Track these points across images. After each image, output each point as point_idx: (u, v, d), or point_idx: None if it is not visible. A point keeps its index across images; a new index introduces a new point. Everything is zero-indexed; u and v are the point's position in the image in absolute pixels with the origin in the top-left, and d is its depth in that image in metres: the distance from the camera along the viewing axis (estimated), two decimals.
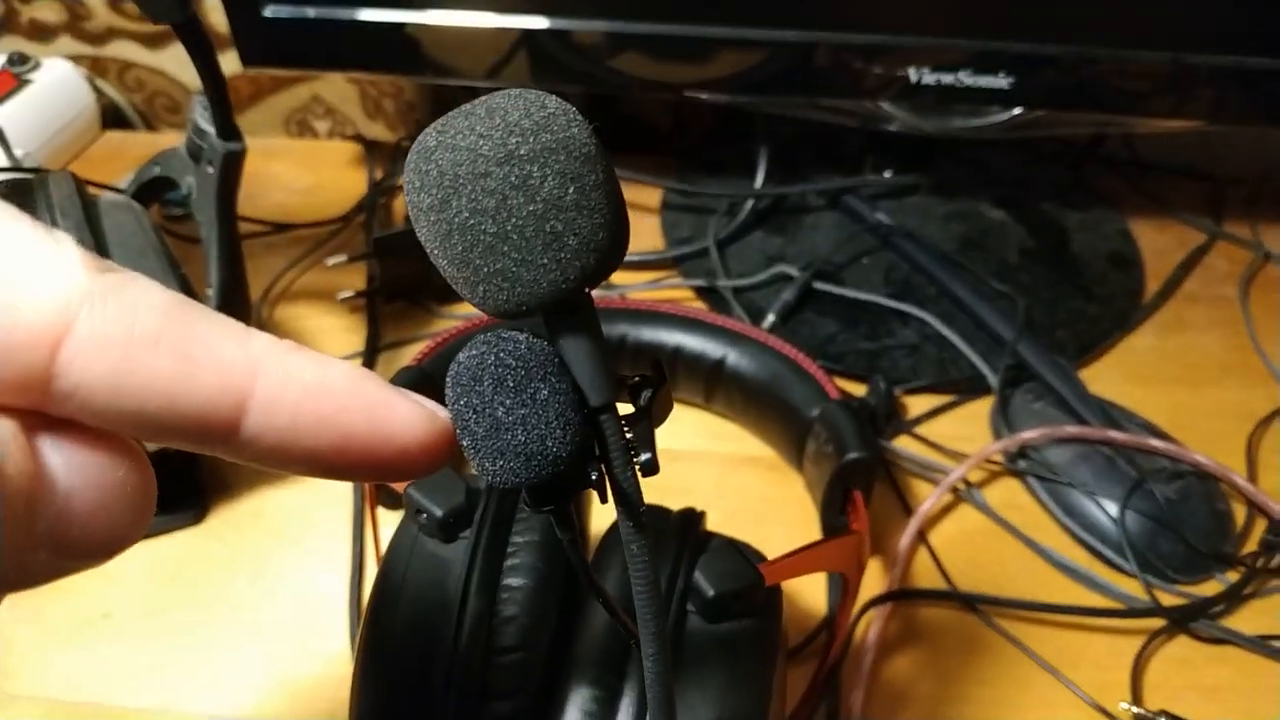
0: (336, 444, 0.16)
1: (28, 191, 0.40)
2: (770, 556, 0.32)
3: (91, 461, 0.15)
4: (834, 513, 0.42)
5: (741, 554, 0.31)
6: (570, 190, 0.17)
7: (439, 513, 0.31)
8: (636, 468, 0.19)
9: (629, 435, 0.19)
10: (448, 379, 0.18)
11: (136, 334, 0.14)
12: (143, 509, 0.15)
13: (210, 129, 0.40)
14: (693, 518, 0.33)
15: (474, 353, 0.18)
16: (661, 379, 0.21)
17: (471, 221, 0.16)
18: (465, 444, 0.18)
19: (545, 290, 0.17)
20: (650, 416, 0.20)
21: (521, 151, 0.16)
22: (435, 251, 0.17)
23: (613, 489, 0.19)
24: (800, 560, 0.32)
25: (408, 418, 0.17)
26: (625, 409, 0.20)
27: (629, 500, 0.19)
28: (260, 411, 0.15)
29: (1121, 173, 0.68)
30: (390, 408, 0.16)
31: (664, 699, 0.21)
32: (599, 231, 0.17)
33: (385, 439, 0.16)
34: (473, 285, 0.17)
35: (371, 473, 0.17)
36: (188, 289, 0.42)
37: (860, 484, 0.41)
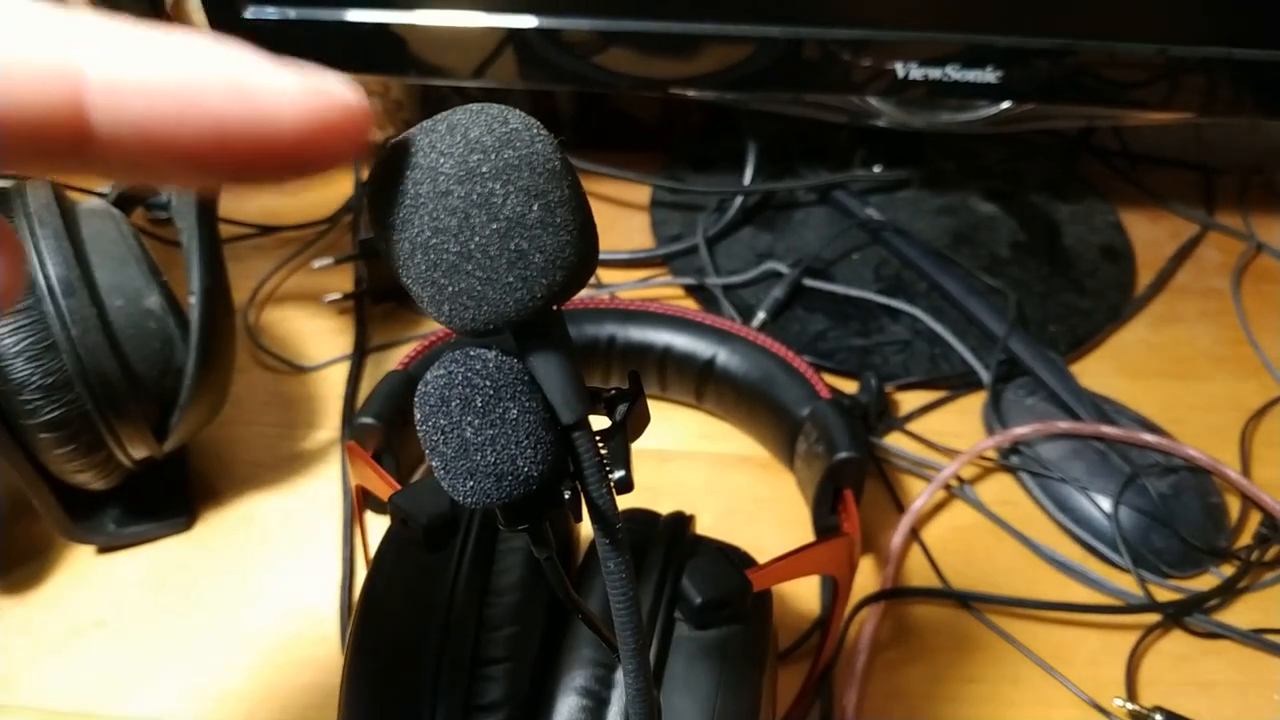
0: (211, 134, 0.13)
1: (4, 199, 0.40)
2: (762, 556, 0.32)
3: None
4: (825, 512, 0.42)
5: (729, 560, 0.30)
6: (534, 207, 0.16)
7: (424, 522, 0.31)
8: (611, 485, 0.19)
9: (603, 451, 0.19)
10: (415, 399, 0.17)
11: None
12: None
13: None
14: (681, 522, 0.33)
15: (441, 372, 0.17)
16: (638, 392, 0.20)
17: (434, 240, 0.16)
18: (435, 464, 0.17)
19: (512, 309, 0.17)
20: (625, 431, 0.19)
21: (483, 169, 0.16)
22: (400, 270, 0.17)
23: (588, 507, 0.19)
24: (789, 565, 0.31)
25: (289, 91, 0.14)
26: (603, 422, 0.20)
27: (604, 518, 0.19)
28: (104, 107, 0.13)
29: (1113, 164, 0.67)
30: (264, 80, 0.14)
31: (646, 714, 0.21)
32: (566, 248, 0.17)
33: (268, 120, 0.14)
34: (438, 304, 0.17)
35: (269, 167, 0.14)
36: (169, 296, 0.42)
37: (851, 483, 0.40)
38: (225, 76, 0.14)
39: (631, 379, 0.21)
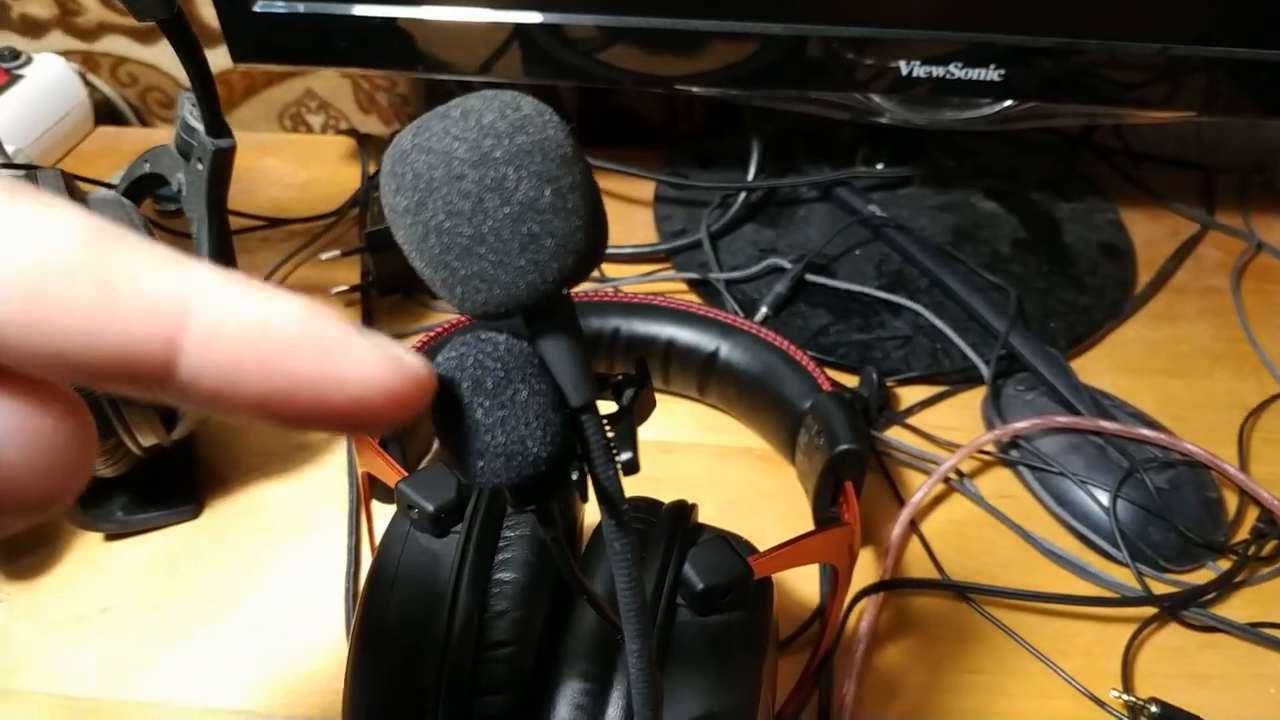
0: (283, 390, 0.14)
1: None
2: (763, 547, 0.32)
3: (16, 411, 0.14)
4: (825, 504, 0.42)
5: (731, 547, 0.31)
6: (546, 192, 0.17)
7: (430, 508, 0.31)
8: (618, 467, 0.19)
9: (610, 434, 0.19)
10: None
11: (50, 264, 0.13)
12: (78, 461, 0.14)
13: (199, 126, 0.40)
14: (684, 510, 0.33)
15: (453, 354, 0.18)
16: (644, 377, 0.21)
17: (448, 224, 0.16)
18: (445, 444, 0.18)
19: (523, 292, 0.17)
20: (632, 415, 0.20)
21: (496, 154, 0.16)
22: (413, 254, 0.17)
23: (595, 488, 0.19)
24: (789, 553, 0.32)
25: (365, 362, 0.15)
26: (610, 407, 0.20)
27: (611, 499, 0.19)
28: (196, 352, 0.14)
29: (1114, 163, 0.68)
30: (346, 349, 0.14)
31: (649, 694, 0.21)
32: (576, 233, 0.17)
33: (338, 385, 0.14)
34: (451, 287, 0.17)
35: (330, 422, 0.15)
36: None
37: (851, 475, 0.41)
38: (311, 337, 0.14)
39: (638, 365, 0.22)
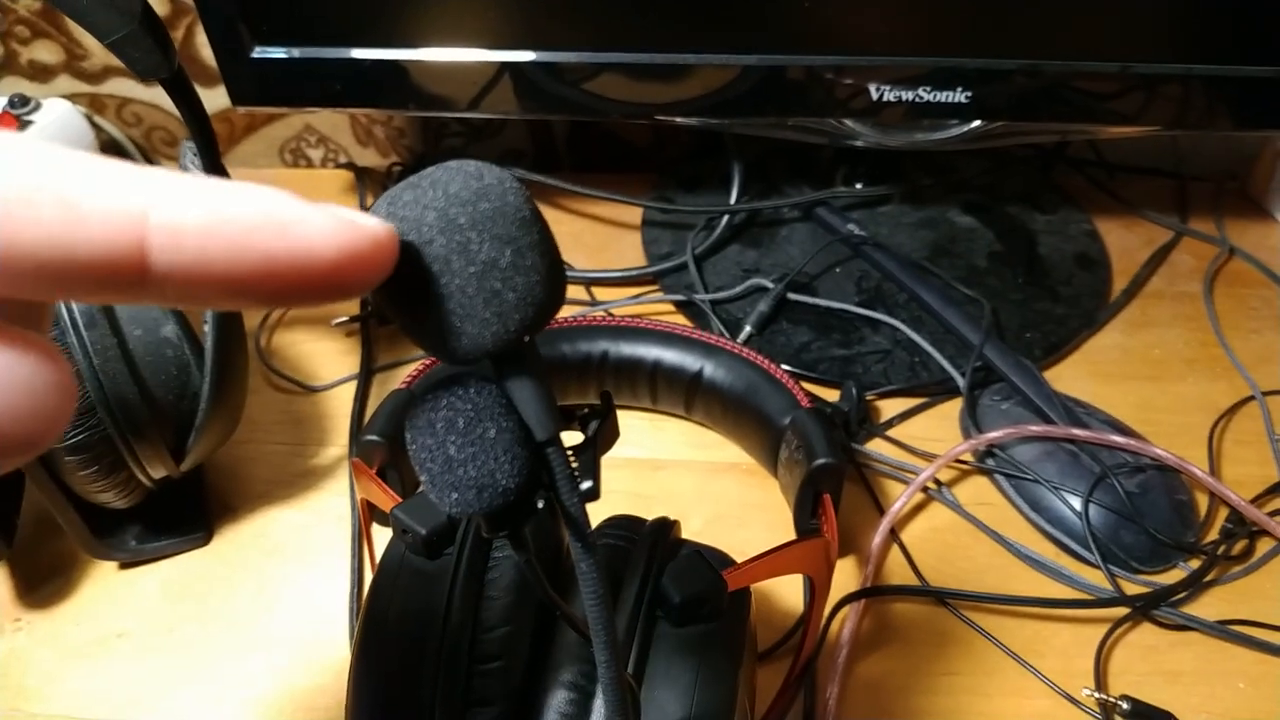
0: (256, 268, 0.15)
1: None
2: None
3: None
4: (805, 516, 0.44)
5: (706, 561, 0.32)
6: (506, 253, 0.19)
7: (423, 532, 0.33)
8: (580, 494, 0.21)
9: (574, 464, 0.21)
10: (406, 423, 0.20)
11: (13, 191, 0.14)
12: (56, 405, 0.15)
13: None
14: (664, 527, 0.35)
15: (428, 397, 0.20)
16: (608, 410, 0.23)
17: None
18: (424, 479, 0.20)
19: (489, 341, 0.19)
20: (595, 446, 0.22)
21: (461, 220, 0.18)
22: (389, 308, 0.19)
23: (560, 515, 0.21)
24: (762, 565, 0.34)
25: (323, 229, 0.16)
26: (579, 437, 0.22)
27: (575, 524, 0.21)
28: (163, 247, 0.15)
29: (1088, 174, 0.69)
30: (303, 221, 0.16)
31: (617, 699, 0.23)
32: (535, 287, 0.19)
33: (306, 254, 0.16)
34: (425, 337, 0.19)
35: (308, 293, 0.16)
36: (185, 324, 0.44)
37: (829, 487, 0.43)
38: (267, 216, 0.16)
39: (603, 398, 0.24)
